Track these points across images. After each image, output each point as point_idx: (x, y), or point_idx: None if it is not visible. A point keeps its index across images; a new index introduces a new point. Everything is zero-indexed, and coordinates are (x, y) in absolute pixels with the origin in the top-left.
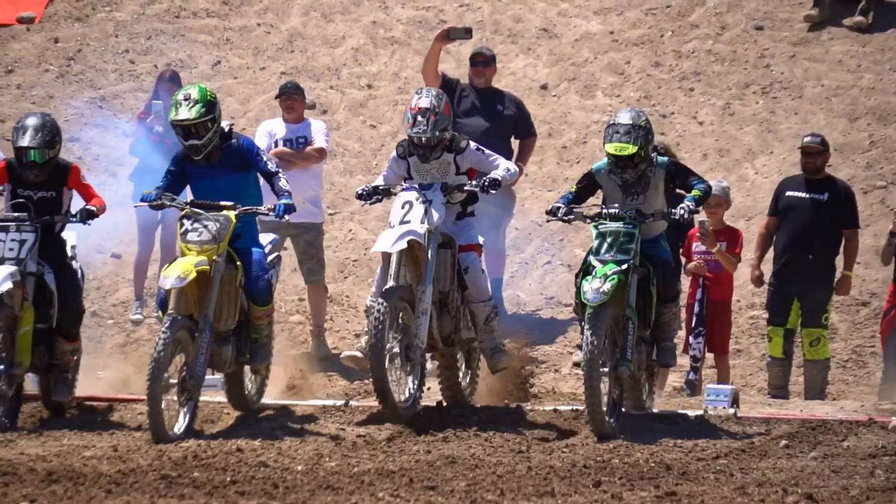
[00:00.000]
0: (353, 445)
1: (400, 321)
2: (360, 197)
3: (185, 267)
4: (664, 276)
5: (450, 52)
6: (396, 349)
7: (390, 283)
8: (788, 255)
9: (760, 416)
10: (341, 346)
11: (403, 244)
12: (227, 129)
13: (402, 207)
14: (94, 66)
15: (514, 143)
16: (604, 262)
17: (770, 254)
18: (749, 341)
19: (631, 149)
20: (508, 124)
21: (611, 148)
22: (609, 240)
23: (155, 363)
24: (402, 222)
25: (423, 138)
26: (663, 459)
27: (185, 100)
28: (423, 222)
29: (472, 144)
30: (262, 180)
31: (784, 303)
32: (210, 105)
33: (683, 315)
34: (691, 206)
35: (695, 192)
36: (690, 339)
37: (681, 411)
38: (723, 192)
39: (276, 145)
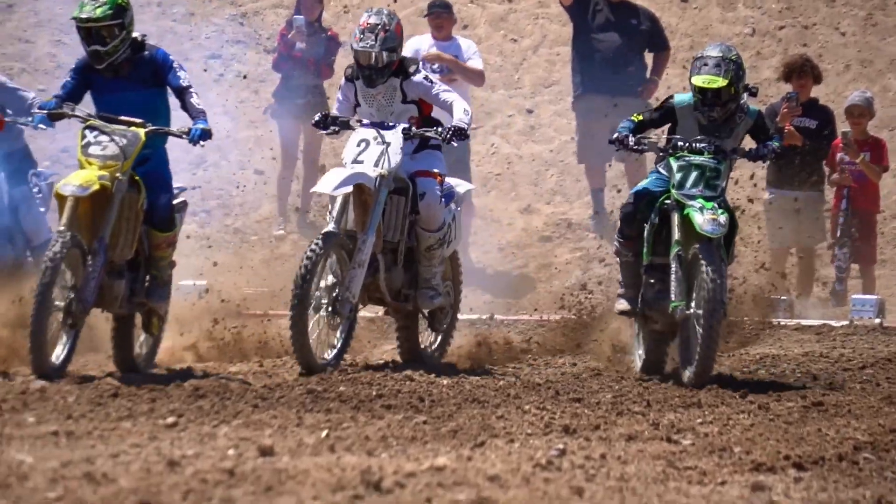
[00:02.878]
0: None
1: (335, 269)
2: (315, 125)
3: (88, 177)
4: None
5: None
6: (325, 300)
7: (331, 226)
8: None
9: None
10: (484, 259)
11: (348, 189)
12: (139, 39)
13: (358, 146)
14: None
15: (648, 57)
16: (690, 197)
17: None
18: (895, 251)
19: (721, 81)
20: (642, 38)
21: (698, 80)
22: (695, 173)
23: (46, 276)
24: (355, 161)
25: (371, 54)
26: (809, 370)
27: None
28: (376, 165)
29: (422, 74)
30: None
31: None
32: (119, 9)
33: (828, 226)
34: (776, 149)
35: (775, 143)
36: (836, 249)
37: (826, 322)
38: (866, 102)
39: (425, 65)
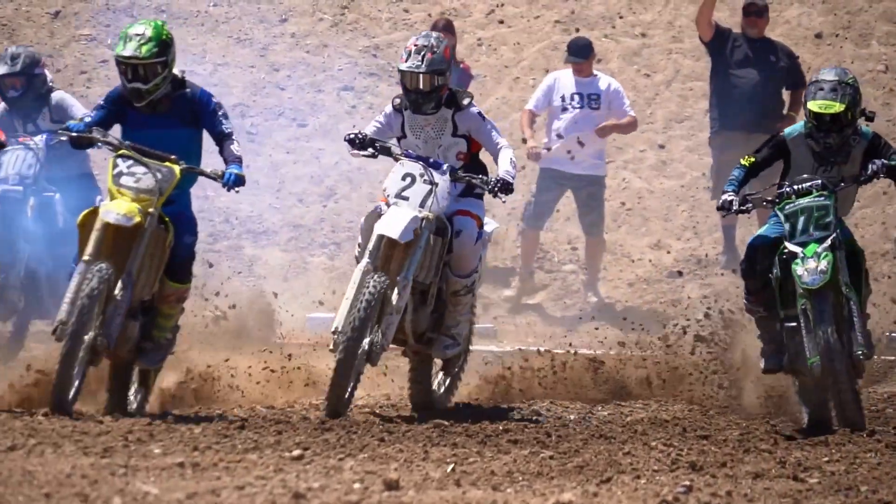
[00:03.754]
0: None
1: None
2: (350, 142)
3: (131, 208)
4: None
5: (723, 0)
6: (365, 343)
7: (365, 261)
8: None
9: None
10: (614, 294)
11: (410, 235)
12: (180, 77)
13: (403, 179)
14: (368, 15)
15: (786, 94)
16: (803, 245)
17: None
18: None
19: (838, 107)
20: (780, 75)
21: (814, 106)
22: (802, 218)
23: (84, 308)
24: (399, 196)
25: (417, 76)
26: None
27: (137, 35)
28: (422, 206)
29: (475, 108)
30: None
31: None
32: (164, 46)
33: None
34: (881, 167)
35: (880, 162)
36: None
37: None
38: None
39: (564, 99)
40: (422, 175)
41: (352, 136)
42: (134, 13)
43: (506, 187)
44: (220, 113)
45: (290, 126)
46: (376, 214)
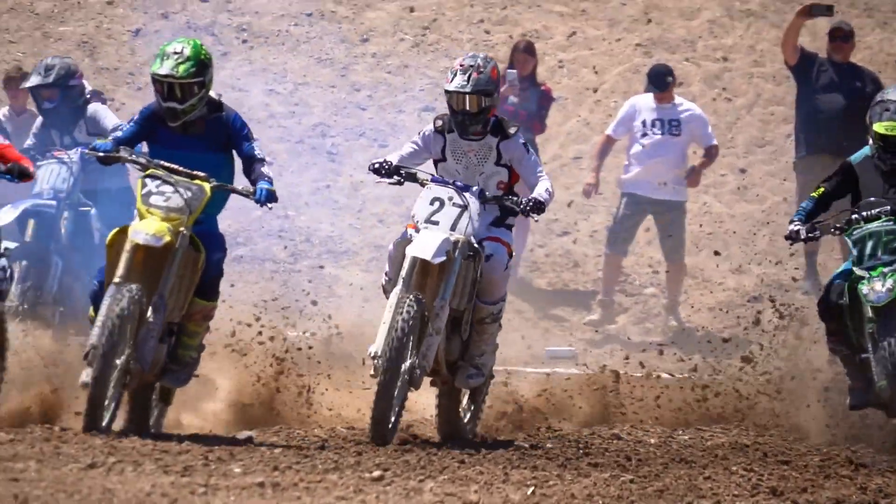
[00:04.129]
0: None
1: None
2: (375, 171)
3: (160, 227)
4: None
5: (805, 25)
6: (405, 366)
7: (399, 288)
8: None
9: None
10: (695, 319)
11: (443, 257)
12: (217, 99)
13: (431, 204)
14: (449, 36)
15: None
16: (871, 269)
17: None
18: None
19: None
20: (866, 100)
21: (880, 127)
22: (871, 243)
23: (114, 331)
24: (429, 221)
25: (463, 96)
26: None
27: (175, 53)
28: (453, 229)
29: (521, 138)
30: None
31: None
32: (202, 66)
33: None
34: None
35: None
36: None
37: None
38: None
39: (644, 125)
40: (451, 198)
41: (377, 164)
42: (214, 31)
43: (537, 206)
44: (251, 136)
45: (370, 146)
46: (406, 241)
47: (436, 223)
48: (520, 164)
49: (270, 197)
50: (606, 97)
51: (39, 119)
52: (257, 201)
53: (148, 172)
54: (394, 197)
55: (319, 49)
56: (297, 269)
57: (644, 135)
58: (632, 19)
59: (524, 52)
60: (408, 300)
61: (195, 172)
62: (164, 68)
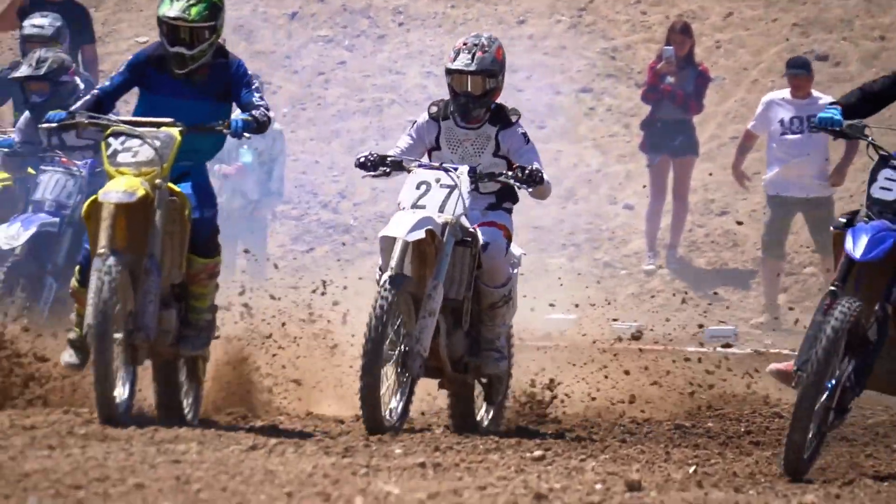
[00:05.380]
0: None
1: (401, 320)
2: (361, 166)
3: (131, 182)
4: None
5: None
6: (393, 354)
7: (389, 273)
8: None
9: None
10: None
11: (421, 234)
12: (221, 45)
13: (417, 188)
14: (606, 17)
15: None
16: None
17: None
18: None
19: None
20: None
21: None
22: None
23: (104, 305)
24: (415, 206)
25: (465, 76)
26: None
27: None
28: (441, 210)
29: (521, 128)
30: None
31: None
32: (215, 9)
33: None
34: None
35: None
36: None
37: None
38: None
39: (783, 123)
40: (438, 180)
41: (362, 158)
42: (370, 14)
43: (532, 175)
44: (253, 85)
45: (528, 128)
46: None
47: (422, 207)
48: (517, 154)
49: (246, 126)
50: (764, 77)
51: (27, 114)
52: (233, 134)
53: (110, 131)
54: (552, 179)
55: (476, 31)
56: None
57: (783, 133)
58: None
59: (681, 33)
60: (385, 281)
61: (160, 120)
62: (174, 10)
